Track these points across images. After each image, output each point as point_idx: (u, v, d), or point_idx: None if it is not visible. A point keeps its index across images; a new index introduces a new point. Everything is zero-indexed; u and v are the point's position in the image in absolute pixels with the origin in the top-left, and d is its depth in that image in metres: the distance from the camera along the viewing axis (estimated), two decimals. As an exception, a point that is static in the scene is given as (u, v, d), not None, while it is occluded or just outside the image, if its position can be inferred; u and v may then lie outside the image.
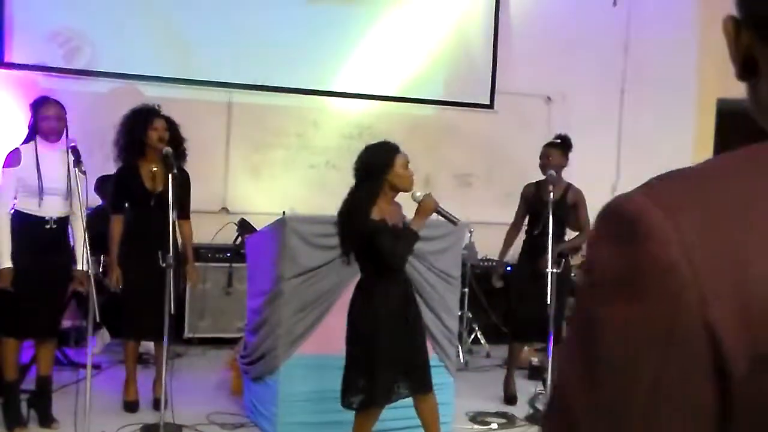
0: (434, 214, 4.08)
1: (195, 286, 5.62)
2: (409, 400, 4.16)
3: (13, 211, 4.71)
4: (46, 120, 4.74)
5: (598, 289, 0.66)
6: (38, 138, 4.74)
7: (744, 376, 0.61)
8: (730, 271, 0.61)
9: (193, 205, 6.08)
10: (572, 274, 5.81)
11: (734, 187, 0.65)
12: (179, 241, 4.99)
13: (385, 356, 3.94)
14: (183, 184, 5.01)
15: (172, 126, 5.22)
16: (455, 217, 4.15)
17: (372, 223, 3.89)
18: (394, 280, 4.01)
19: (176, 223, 4.82)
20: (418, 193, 4.00)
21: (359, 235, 3.94)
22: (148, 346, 5.75)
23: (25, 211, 4.69)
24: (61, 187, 4.73)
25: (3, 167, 4.72)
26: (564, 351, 0.70)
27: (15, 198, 4.71)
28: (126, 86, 7.08)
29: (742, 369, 0.60)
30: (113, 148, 5.20)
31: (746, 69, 0.74)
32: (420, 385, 4.06)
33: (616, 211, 0.67)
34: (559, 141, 5.74)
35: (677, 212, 0.64)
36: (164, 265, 4.63)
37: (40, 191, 4.65)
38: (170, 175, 4.69)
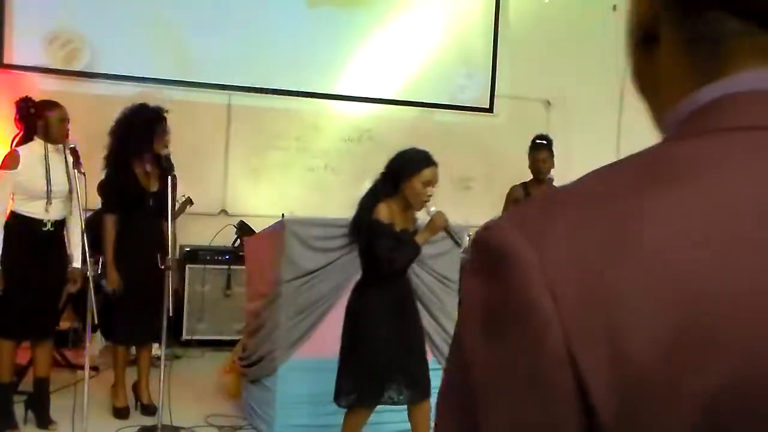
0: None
1: None
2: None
3: (9, 212, 4.69)
4: (60, 124, 4.73)
5: (465, 322, 0.62)
6: (38, 141, 4.72)
7: (612, 421, 0.56)
8: (597, 309, 0.56)
9: (191, 207, 6.08)
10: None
11: (611, 207, 0.60)
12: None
13: (374, 359, 3.94)
14: (173, 185, 4.95)
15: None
16: (460, 239, 4.19)
17: (374, 223, 3.88)
18: (390, 286, 3.99)
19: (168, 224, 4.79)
20: (432, 208, 3.98)
21: (361, 231, 3.96)
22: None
23: (23, 214, 4.68)
24: (63, 190, 4.73)
25: None
26: (443, 378, 0.66)
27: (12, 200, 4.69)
28: (125, 88, 7.08)
29: (609, 414, 0.56)
30: (110, 142, 5.09)
31: (646, 36, 0.70)
32: (418, 393, 4.06)
33: (482, 239, 0.62)
34: (546, 142, 5.74)
35: (541, 241, 0.58)
36: (163, 267, 4.62)
37: (49, 195, 4.64)
38: (169, 177, 4.68)
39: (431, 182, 3.96)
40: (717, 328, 0.55)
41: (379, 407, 4.16)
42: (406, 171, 3.94)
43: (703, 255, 0.56)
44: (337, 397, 4.05)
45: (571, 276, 0.57)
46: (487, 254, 0.61)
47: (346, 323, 4.05)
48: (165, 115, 5.15)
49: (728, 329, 0.55)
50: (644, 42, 0.71)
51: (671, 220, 0.57)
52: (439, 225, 3.97)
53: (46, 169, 4.65)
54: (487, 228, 0.62)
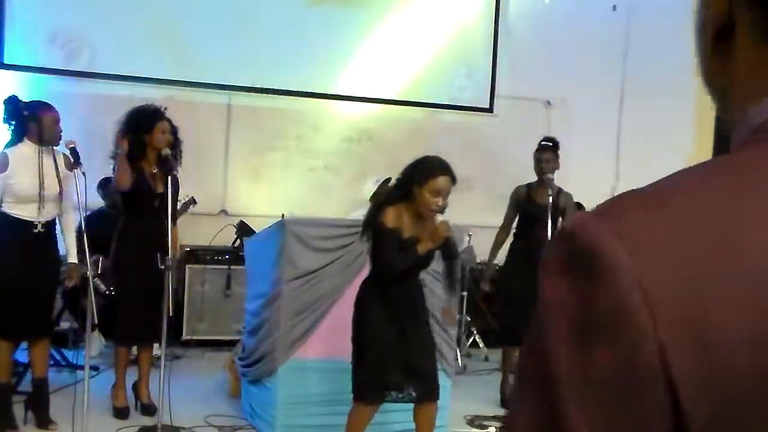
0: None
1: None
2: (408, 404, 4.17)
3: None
4: (54, 126, 4.69)
5: (551, 326, 0.58)
6: (27, 142, 4.66)
7: None
8: (691, 320, 0.54)
9: (193, 207, 6.06)
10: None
11: (708, 214, 0.56)
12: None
13: (374, 355, 3.96)
14: (175, 187, 4.97)
15: (172, 128, 5.17)
16: (457, 252, 4.22)
17: (380, 227, 3.90)
18: (393, 286, 4.01)
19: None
20: (440, 218, 3.98)
21: (369, 233, 4.00)
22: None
23: (13, 215, 4.63)
24: (54, 193, 4.69)
25: None
26: (516, 385, 0.63)
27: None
28: (125, 88, 7.08)
29: (699, 427, 0.54)
30: (114, 146, 5.08)
31: (721, 34, 0.65)
32: (425, 393, 4.08)
33: (572, 238, 0.58)
34: (551, 144, 5.76)
35: (635, 243, 0.55)
36: (163, 267, 4.62)
37: (42, 198, 4.60)
38: (170, 177, 4.67)
39: (440, 192, 3.92)
40: None
41: (386, 407, 4.16)
42: (417, 178, 3.93)
43: None
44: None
45: (668, 287, 0.54)
46: (575, 252, 0.58)
47: (352, 319, 4.08)
48: (163, 113, 5.14)
49: None
50: (717, 41, 0.65)
51: (766, 229, 0.55)
52: (441, 236, 3.97)
53: (40, 172, 4.60)
54: (576, 226, 0.59)
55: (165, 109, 5.19)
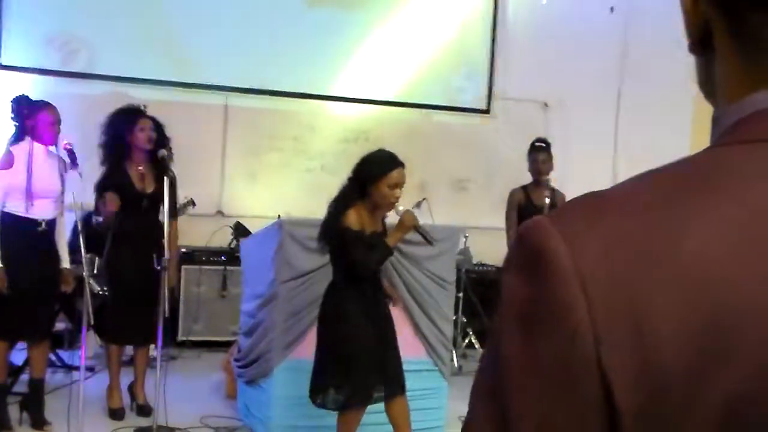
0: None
1: (171, 286, 5.58)
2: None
3: (3, 213, 4.68)
4: (51, 125, 4.72)
5: (504, 317, 0.63)
6: (29, 140, 4.70)
7: (634, 424, 0.57)
8: (627, 315, 0.57)
9: (191, 209, 6.05)
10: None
11: (652, 215, 0.60)
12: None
13: (358, 357, 3.95)
14: (172, 184, 4.98)
15: (158, 126, 5.16)
16: (433, 238, 4.18)
17: (344, 230, 3.89)
18: (364, 284, 4.02)
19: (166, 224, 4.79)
20: (401, 208, 4.02)
21: (331, 238, 3.99)
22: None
23: (17, 214, 4.66)
24: (55, 191, 4.71)
25: None
26: (477, 372, 0.67)
27: (4, 200, 4.67)
28: (123, 89, 7.07)
29: (632, 416, 0.57)
30: (99, 151, 5.13)
31: (701, 43, 0.69)
32: (393, 388, 4.08)
33: (524, 236, 0.63)
34: (546, 145, 5.77)
35: (579, 243, 0.59)
36: (159, 267, 4.61)
37: (28, 195, 4.62)
38: (165, 178, 4.68)
39: (398, 184, 3.96)
40: (735, 337, 0.56)
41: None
42: (372, 175, 3.94)
43: (736, 267, 0.57)
44: (315, 399, 4.04)
45: (605, 282, 0.58)
46: (525, 251, 0.62)
47: (324, 327, 4.06)
48: (143, 111, 5.15)
49: (746, 339, 0.56)
50: (700, 48, 0.69)
51: (708, 230, 0.58)
52: (409, 224, 4.01)
53: (28, 168, 4.62)
54: (528, 225, 0.63)
55: (145, 107, 5.21)
